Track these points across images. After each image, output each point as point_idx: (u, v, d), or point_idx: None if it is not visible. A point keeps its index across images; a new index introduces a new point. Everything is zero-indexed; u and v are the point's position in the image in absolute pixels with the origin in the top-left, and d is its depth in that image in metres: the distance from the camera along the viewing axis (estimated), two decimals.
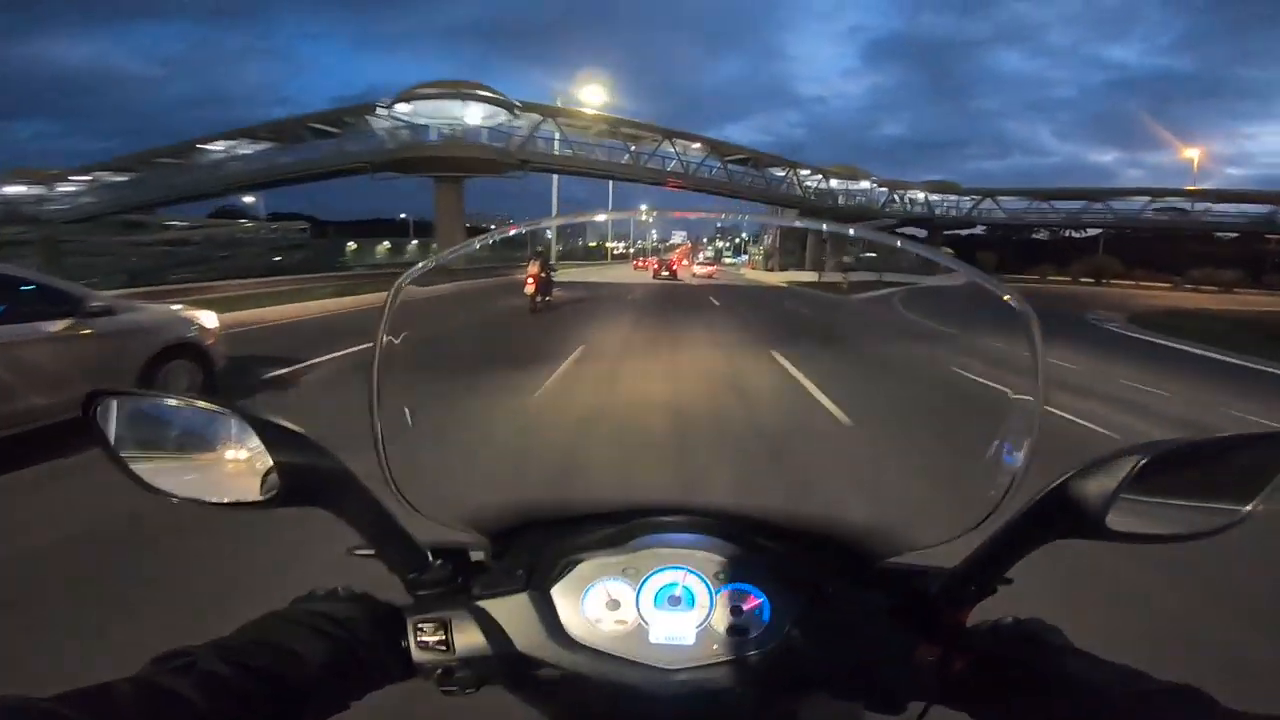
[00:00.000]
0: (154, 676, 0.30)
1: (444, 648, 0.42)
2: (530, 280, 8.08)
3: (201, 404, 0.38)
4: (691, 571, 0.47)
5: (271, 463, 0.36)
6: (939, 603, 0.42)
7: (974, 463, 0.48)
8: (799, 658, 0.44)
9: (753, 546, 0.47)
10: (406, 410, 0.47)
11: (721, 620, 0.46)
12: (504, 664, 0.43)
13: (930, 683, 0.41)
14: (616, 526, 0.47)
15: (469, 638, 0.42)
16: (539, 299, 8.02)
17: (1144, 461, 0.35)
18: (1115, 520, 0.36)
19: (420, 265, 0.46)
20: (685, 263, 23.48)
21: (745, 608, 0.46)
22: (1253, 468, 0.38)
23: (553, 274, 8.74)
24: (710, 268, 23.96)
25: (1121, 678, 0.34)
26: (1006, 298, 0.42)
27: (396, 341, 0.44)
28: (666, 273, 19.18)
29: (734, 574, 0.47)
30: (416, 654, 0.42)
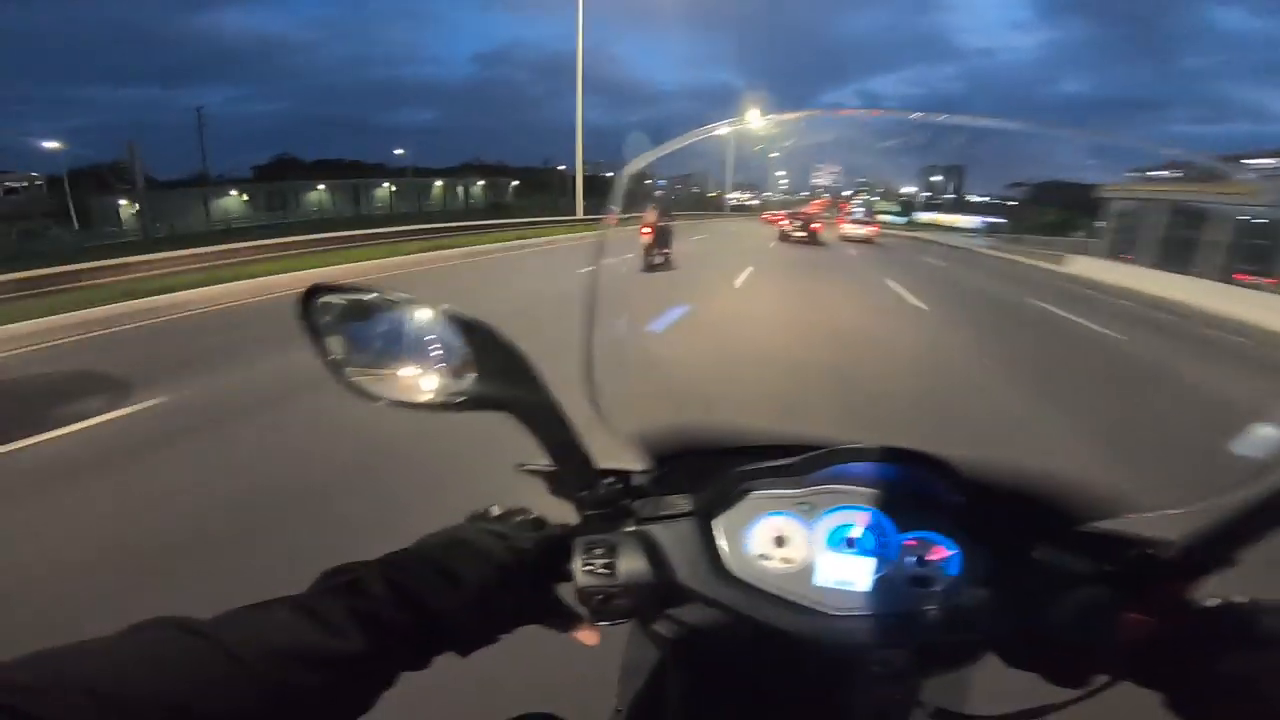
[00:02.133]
0: (312, 599, 0.32)
1: (607, 572, 0.43)
2: (647, 230, 7.74)
3: (411, 301, 0.41)
4: (875, 512, 0.45)
5: (470, 364, 0.40)
6: (1160, 573, 0.40)
7: (1228, 423, 0.45)
8: (984, 620, 0.42)
9: (949, 492, 0.44)
10: (619, 321, 0.49)
11: (902, 569, 0.44)
12: (661, 593, 0.44)
13: (1126, 659, 0.39)
14: (793, 458, 0.46)
15: (632, 563, 0.43)
16: (656, 254, 7.95)
17: None
18: None
19: (625, 170, 0.50)
20: (828, 219, 19.32)
21: (931, 558, 0.44)
22: None
23: (673, 224, 8.51)
24: (868, 227, 19.31)
25: None
26: None
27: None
28: (802, 233, 15.22)
29: (923, 520, 0.45)
30: (580, 577, 0.43)
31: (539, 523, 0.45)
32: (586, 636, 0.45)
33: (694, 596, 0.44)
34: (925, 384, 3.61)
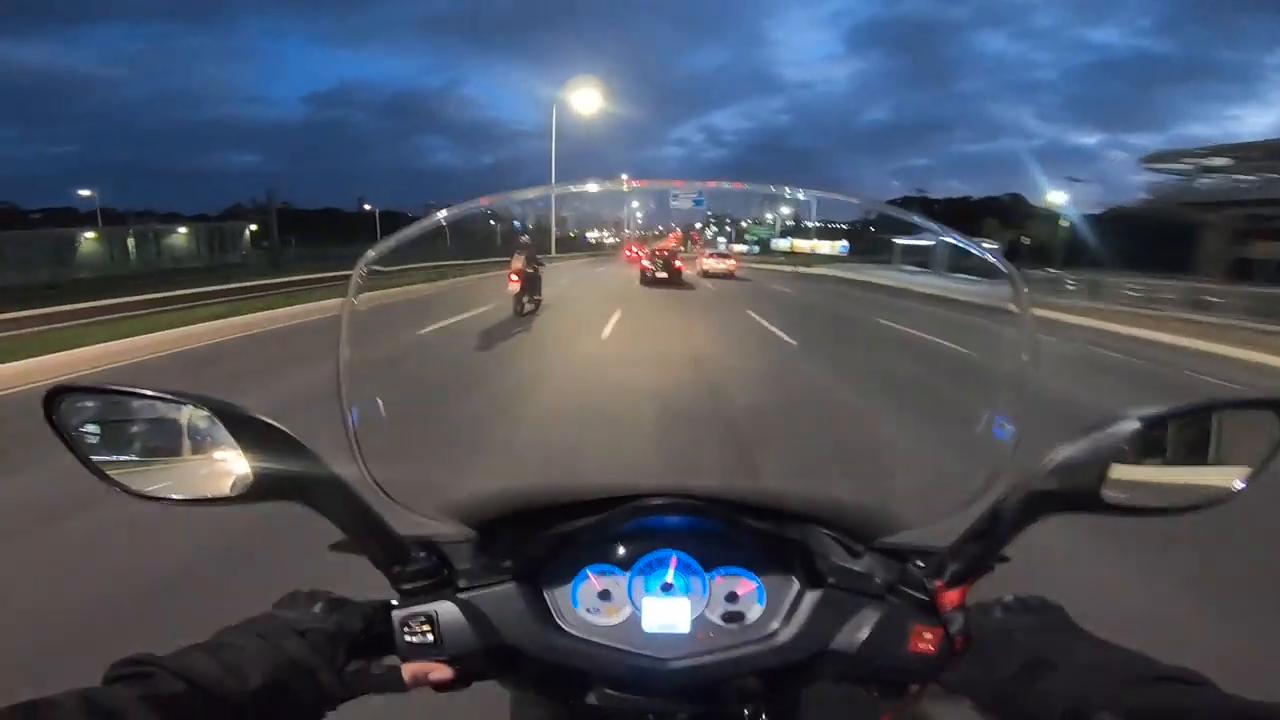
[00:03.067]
0: (101, 691, 0.31)
1: (430, 642, 0.43)
2: (514, 277, 7.94)
3: (171, 397, 0.39)
4: (683, 556, 0.49)
5: (246, 456, 0.38)
6: (936, 582, 0.44)
7: (967, 439, 0.51)
8: (796, 642, 0.46)
9: (743, 527, 0.49)
10: (379, 402, 0.49)
11: (716, 606, 0.48)
12: (494, 657, 0.45)
13: (929, 664, 0.43)
14: (603, 513, 0.48)
15: (456, 632, 0.44)
16: (525, 300, 7.96)
17: (1135, 429, 0.37)
18: (1110, 494, 0.38)
19: (377, 248, 0.47)
20: (687, 254, 20.48)
21: (740, 593, 0.49)
22: (1250, 434, 0.40)
23: (541, 269, 8.57)
24: (728, 261, 20.27)
25: (1122, 660, 0.36)
26: (990, 257, 0.46)
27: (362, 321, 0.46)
28: (663, 273, 16.06)
29: (726, 557, 0.49)
30: (403, 649, 0.43)
31: (344, 604, 0.44)
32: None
33: (529, 658, 0.45)
34: (744, 414, 3.86)
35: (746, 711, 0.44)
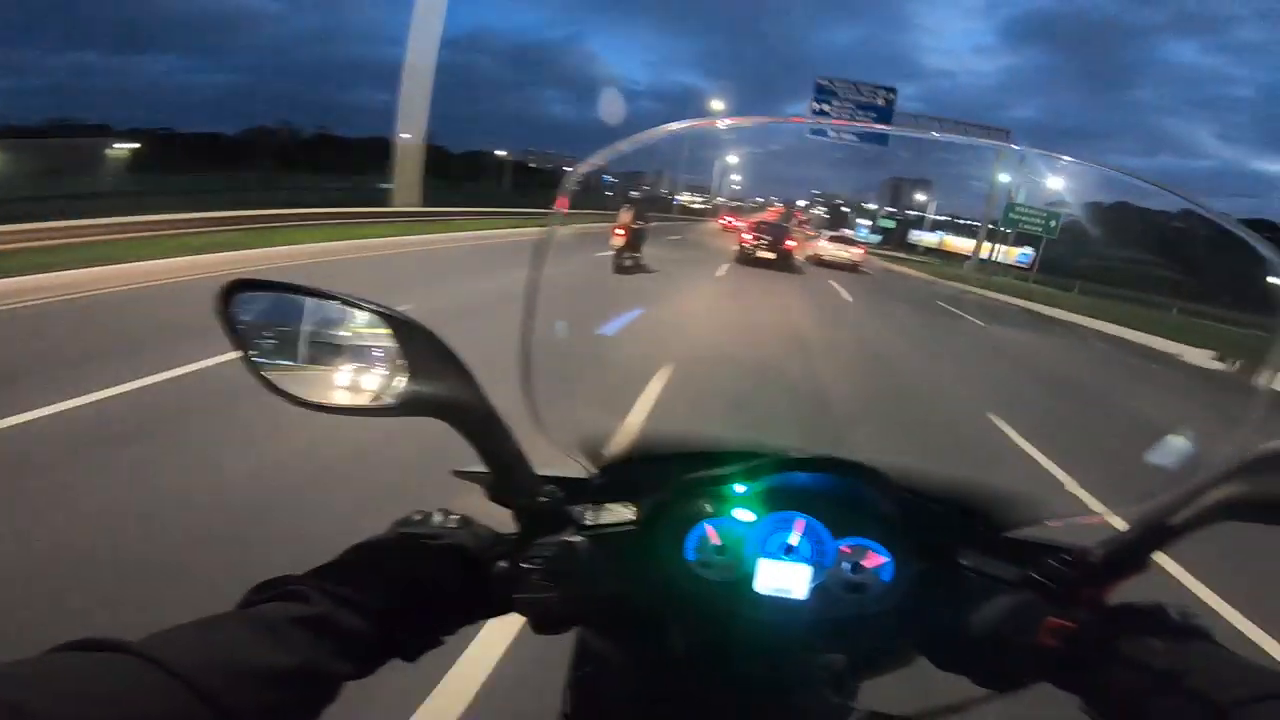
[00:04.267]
0: (245, 614, 0.33)
1: (547, 580, 0.45)
2: (620, 230, 7.89)
3: (342, 299, 0.40)
4: (810, 519, 0.49)
5: (404, 367, 0.39)
6: (1080, 578, 0.43)
7: (1141, 435, 0.48)
8: (915, 624, 0.47)
9: (881, 498, 0.49)
10: (560, 324, 0.51)
11: (837, 575, 0.49)
12: (601, 601, 0.47)
13: (1052, 659, 0.42)
14: (732, 466, 0.49)
15: (571, 571, 0.45)
16: (627, 257, 7.97)
17: None
18: None
19: (574, 172, 0.51)
20: (798, 236, 15.58)
21: (866, 564, 0.49)
22: None
23: (647, 228, 8.56)
24: (853, 250, 16.58)
25: (1257, 679, 0.34)
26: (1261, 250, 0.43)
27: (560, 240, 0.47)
28: (769, 252, 12.23)
29: (856, 527, 0.49)
30: (519, 586, 0.45)
31: (472, 526, 0.46)
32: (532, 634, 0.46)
33: (637, 604, 0.48)
34: (871, 391, 3.90)
35: (828, 686, 0.45)
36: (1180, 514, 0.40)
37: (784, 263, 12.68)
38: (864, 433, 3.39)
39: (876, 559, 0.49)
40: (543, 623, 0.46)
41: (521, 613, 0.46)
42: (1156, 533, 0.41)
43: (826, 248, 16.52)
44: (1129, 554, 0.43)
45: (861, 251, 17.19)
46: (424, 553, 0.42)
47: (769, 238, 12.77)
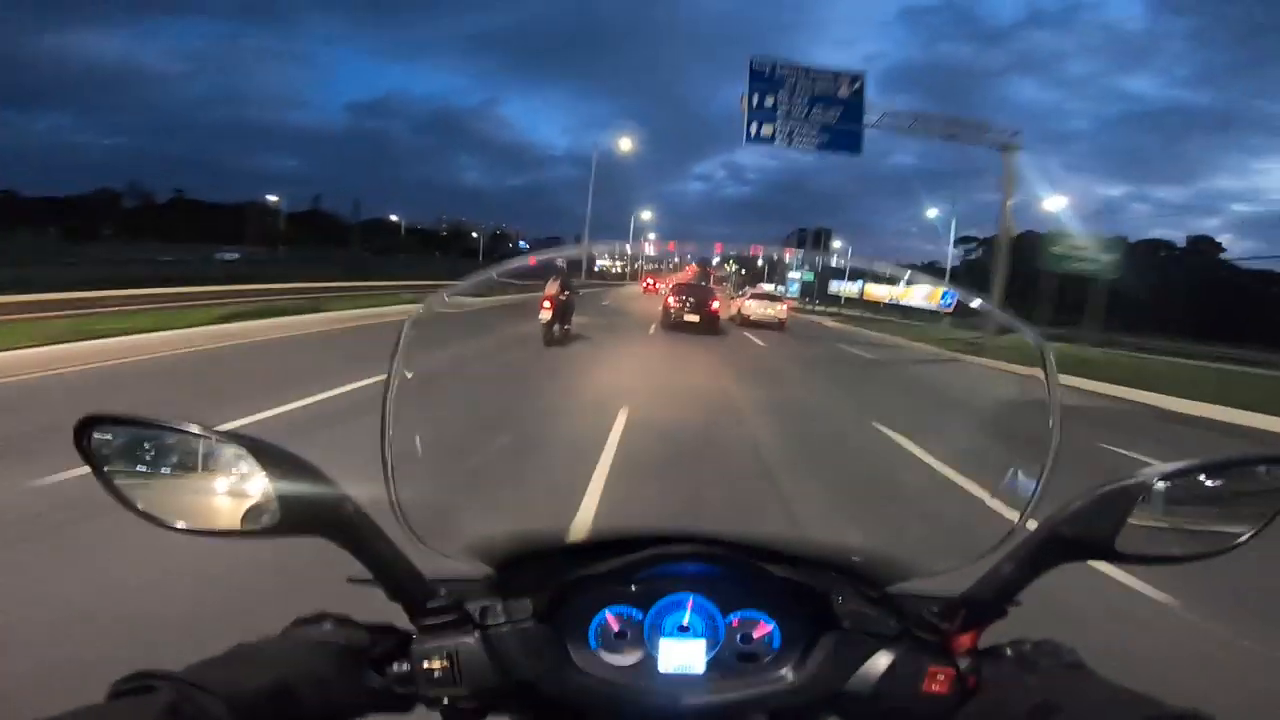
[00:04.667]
0: (100, 710, 0.33)
1: (451, 679, 0.48)
2: (546, 303, 7.98)
3: (199, 430, 0.43)
4: (699, 598, 0.54)
5: (272, 490, 0.42)
6: (950, 627, 0.50)
7: (988, 492, 0.62)
8: (810, 684, 0.51)
9: (761, 573, 0.54)
10: (418, 439, 0.55)
11: (731, 648, 0.54)
12: (510, 695, 0.50)
13: (941, 707, 0.48)
14: (622, 556, 0.54)
15: (474, 668, 0.49)
16: (557, 328, 8.09)
17: (1154, 485, 0.44)
18: (1124, 543, 0.44)
19: (434, 297, 0.55)
20: (720, 296, 14.54)
21: (755, 635, 0.54)
22: (1260, 489, 0.46)
23: (575, 297, 8.56)
24: (777, 305, 16.29)
25: (1131, 702, 0.40)
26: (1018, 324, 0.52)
27: (409, 375, 0.50)
28: (693, 315, 12.12)
29: (743, 600, 0.54)
30: (422, 684, 0.48)
31: (367, 628, 0.48)
32: None
33: (547, 693, 0.51)
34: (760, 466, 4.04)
35: None
36: (1022, 560, 0.46)
37: (709, 325, 12.58)
38: (758, 494, 3.55)
39: (765, 628, 0.54)
40: (450, 717, 0.49)
41: (429, 707, 0.49)
42: (1011, 578, 0.47)
43: (752, 307, 16.24)
44: (992, 599, 0.48)
45: (785, 307, 16.92)
46: (316, 651, 0.43)
47: (692, 299, 12.72)
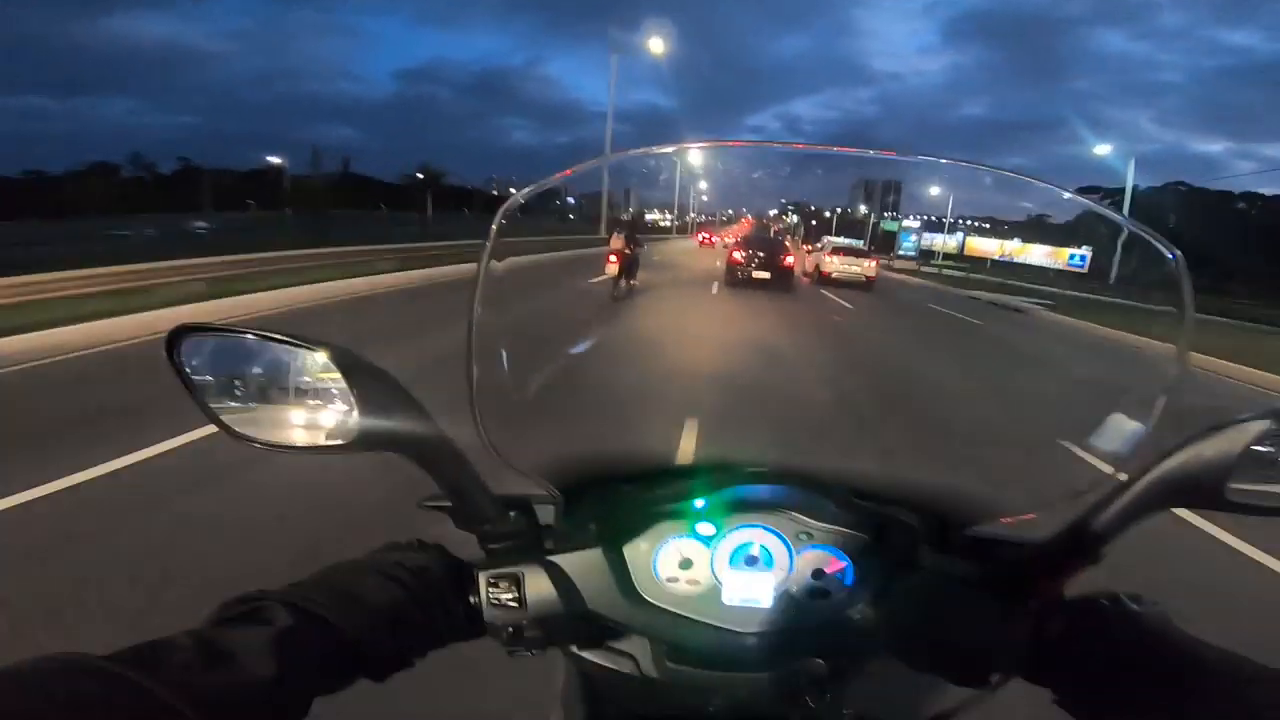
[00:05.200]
0: (214, 629, 0.36)
1: (516, 604, 0.50)
2: (612, 258, 7.54)
3: (287, 340, 0.44)
4: (770, 530, 0.56)
5: (355, 404, 0.44)
6: (1035, 572, 0.50)
7: (1095, 424, 0.56)
8: (881, 626, 0.53)
9: (835, 505, 0.56)
10: (503, 353, 0.56)
11: (801, 583, 0.55)
12: (573, 622, 0.52)
13: (1016, 656, 0.48)
14: (691, 482, 0.56)
15: (541, 594, 0.51)
16: (623, 283, 7.82)
17: (1267, 425, 0.42)
18: (1235, 491, 0.43)
19: (514, 199, 0.55)
20: (794, 250, 13.99)
21: (827, 570, 0.56)
22: None
23: (640, 250, 8.25)
24: (863, 262, 14.95)
25: (1222, 660, 0.40)
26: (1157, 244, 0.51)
27: (497, 271, 0.51)
28: (763, 270, 10.97)
29: (816, 535, 0.56)
30: (488, 610, 0.50)
31: (441, 554, 0.51)
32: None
33: (609, 623, 0.53)
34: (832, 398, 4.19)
35: (808, 693, 0.49)
36: (1121, 504, 0.45)
37: (781, 282, 11.41)
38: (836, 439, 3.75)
39: (837, 564, 0.55)
40: (514, 644, 0.51)
41: (493, 635, 0.50)
42: (1103, 525, 0.46)
43: (834, 263, 14.83)
44: (1081, 546, 0.47)
45: (874, 264, 15.41)
46: (392, 577, 0.46)
47: (762, 254, 11.49)
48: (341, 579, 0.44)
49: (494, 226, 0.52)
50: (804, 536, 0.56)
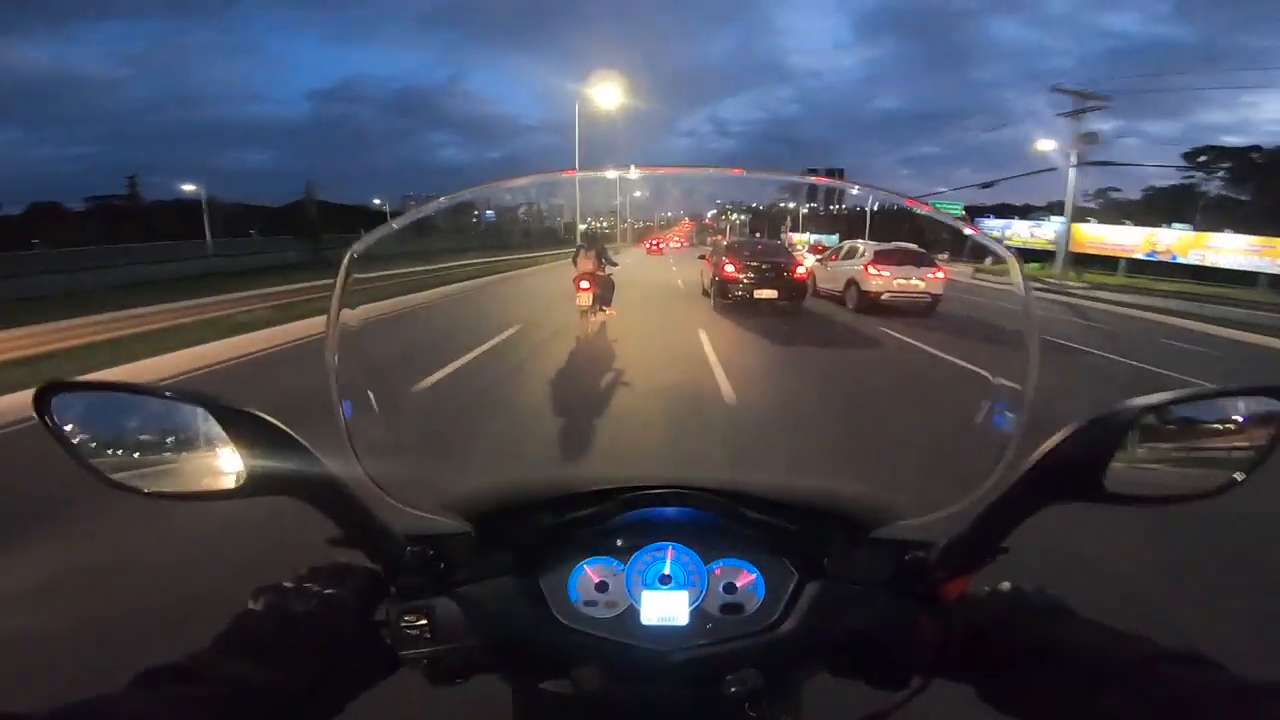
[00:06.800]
0: (141, 693, 0.38)
1: (428, 637, 0.55)
2: (584, 283, 6.78)
3: (164, 394, 0.47)
4: (680, 548, 0.61)
5: (238, 453, 0.47)
6: (937, 573, 0.55)
7: (968, 430, 0.62)
8: (796, 633, 0.57)
9: (743, 520, 0.61)
10: (371, 394, 0.60)
11: (715, 598, 0.60)
12: (491, 651, 0.57)
13: (930, 655, 0.53)
14: (600, 505, 0.61)
15: (453, 626, 0.56)
16: (596, 309, 6.97)
17: (1139, 418, 0.47)
18: (1112, 482, 0.47)
19: (369, 235, 0.58)
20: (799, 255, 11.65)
21: (739, 584, 0.61)
22: (1254, 423, 0.48)
23: (612, 270, 7.34)
24: (930, 275, 10.20)
25: (1125, 643, 0.46)
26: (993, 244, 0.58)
27: (352, 323, 0.55)
28: (769, 290, 9.36)
29: (725, 549, 0.62)
30: (400, 645, 0.55)
31: (359, 583, 0.55)
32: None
33: (530, 649, 0.58)
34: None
35: (747, 703, 0.53)
36: (1012, 501, 0.50)
37: (791, 298, 9.66)
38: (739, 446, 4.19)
39: (748, 577, 0.60)
40: (434, 677, 0.57)
41: (411, 668, 0.55)
42: (997, 521, 0.51)
43: (881, 276, 10.39)
44: (981, 543, 0.53)
45: (942, 275, 10.80)
46: (298, 625, 0.49)
47: (763, 265, 9.74)
48: (252, 639, 0.47)
49: (342, 269, 0.54)
50: (713, 552, 0.61)
